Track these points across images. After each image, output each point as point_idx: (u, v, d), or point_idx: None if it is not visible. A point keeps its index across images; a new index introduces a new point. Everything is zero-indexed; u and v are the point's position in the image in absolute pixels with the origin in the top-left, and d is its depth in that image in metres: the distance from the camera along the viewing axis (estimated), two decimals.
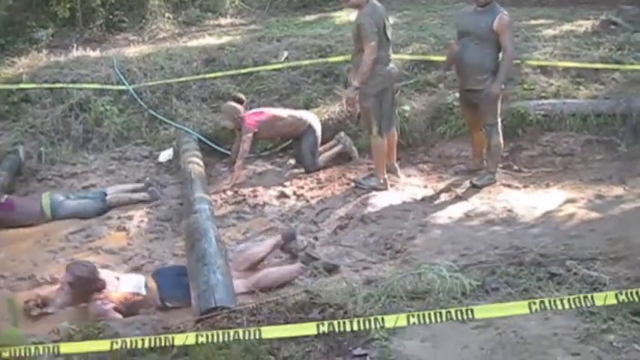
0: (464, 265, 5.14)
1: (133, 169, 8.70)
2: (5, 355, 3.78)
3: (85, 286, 5.52)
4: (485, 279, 4.66)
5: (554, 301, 3.56)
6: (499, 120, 7.28)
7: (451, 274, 4.45)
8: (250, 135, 8.01)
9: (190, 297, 5.00)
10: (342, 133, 8.46)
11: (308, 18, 13.76)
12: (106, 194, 7.73)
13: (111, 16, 13.78)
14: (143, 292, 5.58)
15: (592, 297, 3.52)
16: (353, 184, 7.57)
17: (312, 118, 8.42)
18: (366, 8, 7.10)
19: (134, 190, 7.88)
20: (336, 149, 8.37)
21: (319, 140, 8.30)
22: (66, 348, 3.88)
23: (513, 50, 7.02)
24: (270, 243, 6.07)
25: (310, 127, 8.26)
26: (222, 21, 14.38)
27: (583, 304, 3.60)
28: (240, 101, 8.39)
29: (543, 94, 8.57)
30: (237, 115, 8.18)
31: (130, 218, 7.34)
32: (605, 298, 3.56)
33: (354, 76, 7.27)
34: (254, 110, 8.38)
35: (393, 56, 7.49)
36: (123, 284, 5.64)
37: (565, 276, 4.68)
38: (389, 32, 7.21)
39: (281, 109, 8.61)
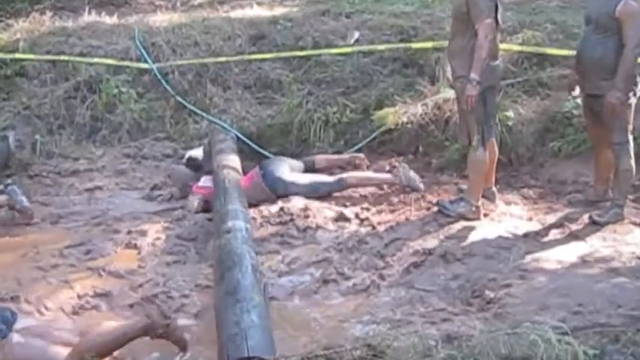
0: (575, 327, 5.05)
1: (151, 171, 8.85)
2: None
3: None
4: (605, 347, 4.57)
5: None
6: (630, 138, 7.19)
7: (560, 338, 4.36)
8: None
9: None
10: (403, 167, 8.33)
11: None
12: None
13: None
14: None
15: None
16: (436, 209, 7.56)
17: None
18: None
19: None
20: (383, 177, 8.40)
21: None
22: None
23: (637, 46, 6.89)
24: None
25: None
26: None
27: None
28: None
29: None
30: None
31: (143, 234, 7.41)
32: None
33: (458, 67, 7.21)
34: None
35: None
36: None
37: None
38: (499, 14, 7.17)
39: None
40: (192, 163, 8.52)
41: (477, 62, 6.95)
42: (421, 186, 8.17)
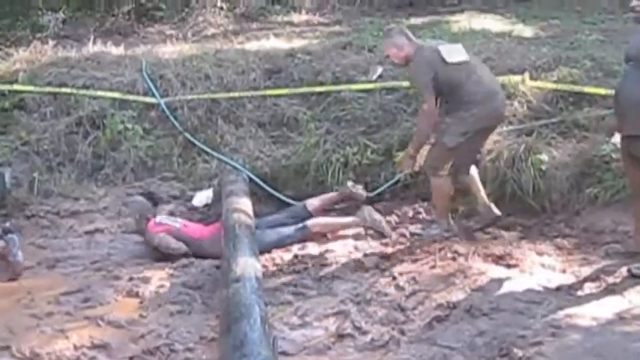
0: None
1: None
2: None
3: None
4: None
5: None
6: None
7: None
8: None
9: None
10: (366, 211, 8.53)
11: (414, 21, 13.91)
12: None
13: (143, 1, 14.17)
14: None
15: None
16: (411, 238, 8.10)
17: None
18: (415, 57, 7.58)
19: None
20: (347, 220, 8.54)
21: None
22: None
23: None
24: None
25: None
26: (296, 18, 14.66)
27: None
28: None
29: None
30: None
31: (146, 281, 7.43)
32: None
33: None
34: None
35: (498, 78, 8.08)
36: None
37: None
38: (455, 56, 7.57)
39: None
40: (149, 197, 8.51)
41: (415, 138, 7.84)
42: (387, 228, 8.36)
